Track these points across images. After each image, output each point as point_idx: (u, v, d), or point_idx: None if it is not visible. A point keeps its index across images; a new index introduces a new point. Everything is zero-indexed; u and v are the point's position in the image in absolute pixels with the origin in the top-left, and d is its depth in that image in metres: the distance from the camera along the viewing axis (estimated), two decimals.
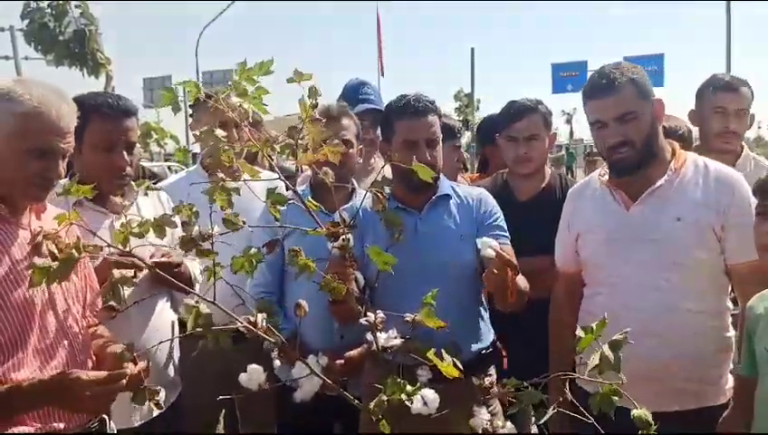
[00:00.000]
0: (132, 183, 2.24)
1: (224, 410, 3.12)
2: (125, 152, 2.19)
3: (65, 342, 1.73)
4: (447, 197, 2.38)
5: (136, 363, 1.67)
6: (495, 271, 1.90)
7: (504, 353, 2.68)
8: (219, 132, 1.40)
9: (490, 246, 1.89)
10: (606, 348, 1.26)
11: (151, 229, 1.42)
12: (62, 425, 1.68)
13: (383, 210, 1.51)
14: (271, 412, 2.60)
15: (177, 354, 2.45)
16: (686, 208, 2.08)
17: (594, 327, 1.29)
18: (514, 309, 2.26)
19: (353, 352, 2.36)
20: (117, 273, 1.46)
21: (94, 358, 1.85)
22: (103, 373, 1.63)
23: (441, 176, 2.42)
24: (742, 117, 3.00)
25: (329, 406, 2.22)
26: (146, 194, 2.38)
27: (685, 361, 2.06)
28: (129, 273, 1.51)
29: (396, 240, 1.55)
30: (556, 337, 2.41)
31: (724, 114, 2.97)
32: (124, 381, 1.64)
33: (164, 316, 2.35)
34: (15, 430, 1.61)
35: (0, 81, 1.72)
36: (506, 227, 2.39)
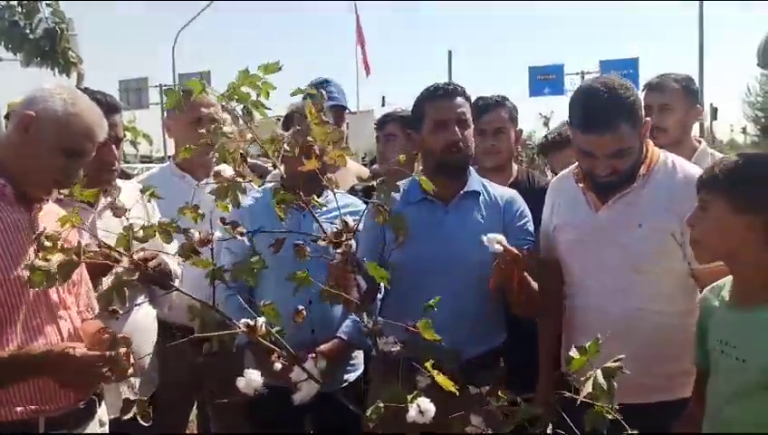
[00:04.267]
0: (118, 181, 2.37)
1: (196, 410, 3.13)
2: (113, 146, 2.26)
3: (55, 325, 1.80)
4: (477, 193, 2.35)
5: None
6: (502, 266, 1.92)
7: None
8: (227, 129, 1.43)
9: (497, 241, 1.90)
10: (599, 375, 1.28)
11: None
12: (53, 405, 1.75)
13: (384, 222, 1.54)
14: (242, 410, 2.60)
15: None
16: (648, 215, 2.09)
17: (588, 348, 1.31)
18: (529, 313, 2.27)
19: (324, 347, 2.37)
20: (122, 274, 1.50)
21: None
22: (97, 353, 1.70)
23: (473, 171, 2.41)
24: (664, 112, 3.09)
25: (300, 405, 2.22)
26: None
27: (650, 358, 2.05)
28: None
29: (399, 244, 1.57)
30: (542, 334, 2.40)
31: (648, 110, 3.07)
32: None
33: (143, 313, 2.37)
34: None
35: (51, 84, 1.93)
36: (533, 232, 2.37)
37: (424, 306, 1.44)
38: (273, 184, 2.62)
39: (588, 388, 1.29)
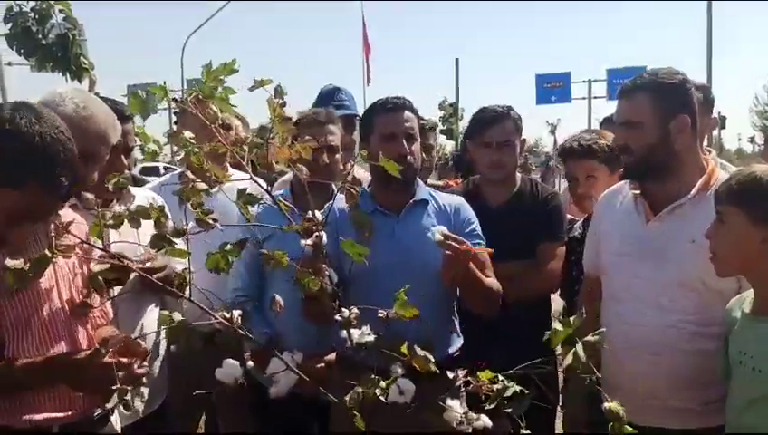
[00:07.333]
0: (130, 188, 2.35)
1: (204, 417, 3.13)
2: (123, 156, 2.23)
3: (69, 330, 1.80)
4: (425, 202, 2.41)
5: (137, 356, 1.75)
6: (448, 252, 1.97)
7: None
8: (187, 134, 1.43)
9: (440, 232, 1.96)
10: (579, 348, 1.28)
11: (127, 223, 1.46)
12: (67, 413, 1.75)
13: (355, 206, 1.53)
14: (249, 415, 2.60)
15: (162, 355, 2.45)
16: (702, 231, 1.95)
17: (572, 320, 1.31)
18: (486, 311, 2.30)
19: (332, 356, 2.37)
20: (97, 267, 1.51)
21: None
22: (114, 360, 1.69)
23: (420, 181, 2.46)
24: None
25: (307, 407, 2.23)
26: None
27: (686, 380, 2.03)
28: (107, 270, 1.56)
29: (365, 239, 1.57)
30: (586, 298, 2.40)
31: None
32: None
33: (152, 321, 2.35)
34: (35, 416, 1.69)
35: (63, 88, 1.92)
36: (483, 236, 2.42)
37: (395, 296, 1.44)
38: (281, 191, 2.68)
39: (568, 360, 1.31)
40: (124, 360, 1.71)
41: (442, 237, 1.96)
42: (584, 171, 2.89)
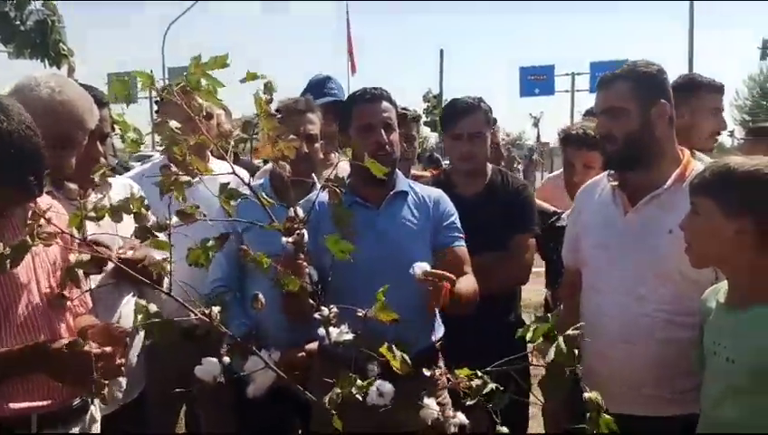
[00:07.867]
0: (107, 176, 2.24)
1: (184, 409, 3.12)
2: (98, 143, 2.17)
3: (49, 321, 1.77)
4: (405, 193, 2.40)
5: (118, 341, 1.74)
6: (431, 287, 1.98)
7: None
8: (173, 123, 1.40)
9: (422, 269, 1.98)
10: (561, 341, 1.29)
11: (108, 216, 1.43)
12: (46, 402, 1.73)
13: (339, 204, 1.52)
14: (230, 410, 2.59)
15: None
16: (679, 221, 1.92)
17: (551, 317, 1.32)
18: (464, 312, 2.30)
19: (313, 345, 2.37)
20: (73, 257, 1.48)
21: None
22: (93, 350, 1.66)
23: (399, 173, 2.45)
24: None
25: (287, 401, 2.22)
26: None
27: (660, 368, 2.05)
28: (86, 257, 1.53)
29: (346, 236, 1.57)
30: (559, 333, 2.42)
31: (716, 115, 3.00)
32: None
33: (131, 310, 2.33)
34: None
35: (40, 72, 1.88)
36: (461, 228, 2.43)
37: (376, 295, 1.44)
38: (261, 181, 2.65)
39: (551, 355, 1.33)
40: (107, 349, 1.69)
41: (422, 275, 1.98)
42: (583, 160, 2.90)
